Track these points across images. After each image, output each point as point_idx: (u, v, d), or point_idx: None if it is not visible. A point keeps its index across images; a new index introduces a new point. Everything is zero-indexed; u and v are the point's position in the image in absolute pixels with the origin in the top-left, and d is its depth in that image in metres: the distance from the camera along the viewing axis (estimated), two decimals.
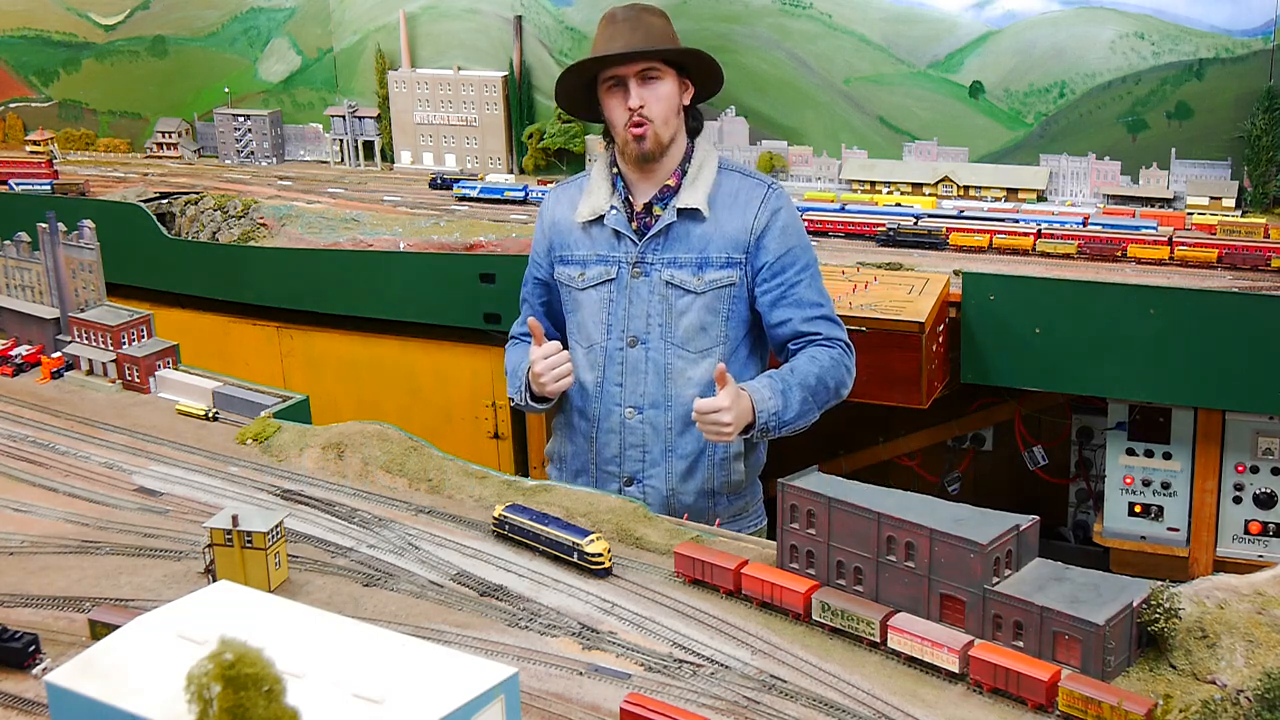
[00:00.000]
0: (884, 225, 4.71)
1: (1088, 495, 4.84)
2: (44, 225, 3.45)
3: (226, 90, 6.42)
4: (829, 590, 2.16)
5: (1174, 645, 1.95)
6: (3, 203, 5.82)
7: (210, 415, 3.13)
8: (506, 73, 5.81)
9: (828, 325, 3.21)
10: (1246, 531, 4.20)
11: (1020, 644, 1.97)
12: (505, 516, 2.48)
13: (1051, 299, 4.11)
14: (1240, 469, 4.16)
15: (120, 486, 2.81)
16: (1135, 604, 1.96)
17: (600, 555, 2.34)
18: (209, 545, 2.33)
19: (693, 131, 3.28)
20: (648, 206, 3.25)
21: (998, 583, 2.01)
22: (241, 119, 6.34)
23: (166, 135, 6.56)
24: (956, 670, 1.98)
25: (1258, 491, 4.16)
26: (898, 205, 4.98)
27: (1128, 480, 4.29)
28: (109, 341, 3.35)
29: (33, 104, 6.89)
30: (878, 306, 4.00)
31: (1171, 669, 1.95)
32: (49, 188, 5.90)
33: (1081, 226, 4.59)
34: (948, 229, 4.65)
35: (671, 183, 3.23)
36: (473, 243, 5.03)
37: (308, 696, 1.39)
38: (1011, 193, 4.96)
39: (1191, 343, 3.96)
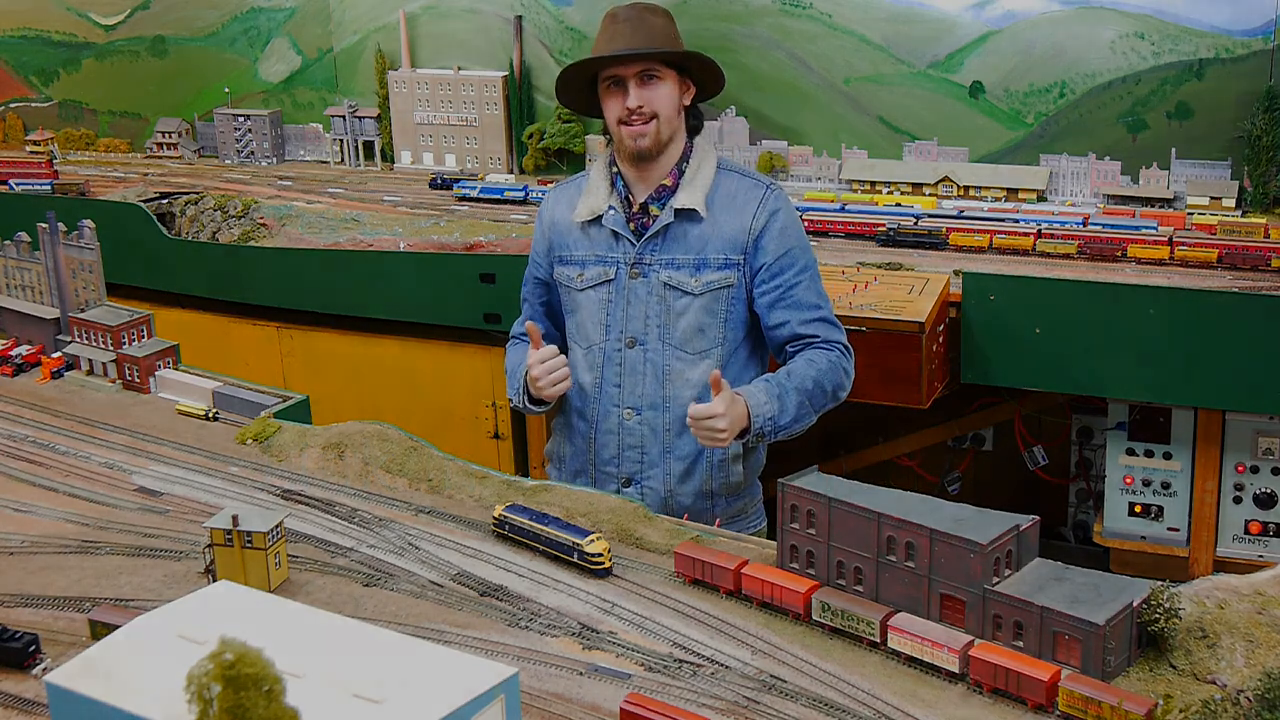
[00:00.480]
0: (884, 225, 4.71)
1: (1088, 495, 4.84)
2: (44, 225, 3.45)
3: (226, 90, 6.42)
4: (829, 590, 2.16)
5: (1174, 645, 1.95)
6: (3, 203, 5.82)
7: (210, 415, 3.13)
8: (506, 73, 5.81)
9: (826, 327, 3.20)
10: (1246, 531, 4.20)
11: (1020, 644, 1.97)
12: (505, 516, 2.48)
13: (1051, 299, 4.11)
14: (1240, 469, 4.16)
15: (120, 486, 2.81)
16: (1135, 604, 1.96)
17: (600, 555, 2.34)
18: (209, 545, 2.32)
19: (693, 130, 3.28)
20: (644, 206, 3.24)
21: (998, 583, 2.01)
22: (241, 119, 6.34)
23: (166, 135, 6.56)
24: (956, 670, 1.98)
25: (1258, 491, 4.16)
26: (898, 205, 4.98)
27: (1128, 480, 4.29)
28: (109, 341, 3.35)
29: (33, 104, 6.89)
30: (878, 306, 4.00)
31: (1171, 669, 1.95)
32: (49, 188, 5.90)
33: (1081, 226, 4.59)
34: (948, 229, 4.65)
35: (668, 182, 3.23)
36: (473, 243, 5.03)
37: (308, 696, 1.39)
38: (1011, 193, 4.96)
39: (1191, 343, 3.96)
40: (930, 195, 5.03)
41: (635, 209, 3.25)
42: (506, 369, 3.42)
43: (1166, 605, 1.95)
